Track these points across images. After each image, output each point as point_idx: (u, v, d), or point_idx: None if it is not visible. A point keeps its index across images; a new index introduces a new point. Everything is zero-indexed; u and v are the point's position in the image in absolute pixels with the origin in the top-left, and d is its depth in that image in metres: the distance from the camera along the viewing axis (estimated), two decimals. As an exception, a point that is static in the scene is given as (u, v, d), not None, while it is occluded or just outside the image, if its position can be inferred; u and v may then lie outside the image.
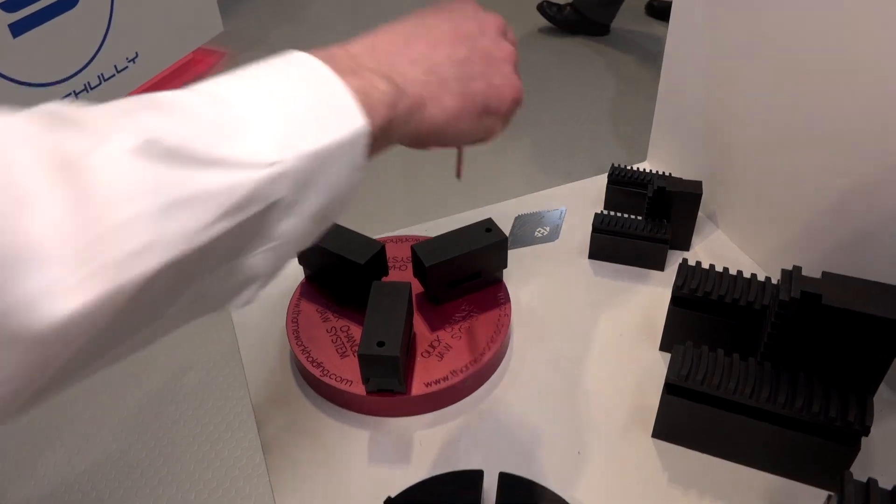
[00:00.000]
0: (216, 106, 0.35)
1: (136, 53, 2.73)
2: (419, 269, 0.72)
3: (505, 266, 0.76)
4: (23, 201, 0.27)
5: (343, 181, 0.37)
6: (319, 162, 0.36)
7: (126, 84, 2.73)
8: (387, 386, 0.64)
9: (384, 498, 0.56)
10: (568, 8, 3.15)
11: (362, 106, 0.38)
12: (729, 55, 0.78)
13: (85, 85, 2.55)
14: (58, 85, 2.44)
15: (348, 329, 0.72)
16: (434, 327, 0.72)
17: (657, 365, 0.71)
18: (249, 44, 3.24)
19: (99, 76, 2.60)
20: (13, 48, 2.23)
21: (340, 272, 0.72)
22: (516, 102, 0.49)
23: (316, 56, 0.40)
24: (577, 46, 3.13)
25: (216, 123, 0.33)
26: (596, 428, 0.66)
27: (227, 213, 0.32)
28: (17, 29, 2.26)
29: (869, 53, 0.61)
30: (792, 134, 0.72)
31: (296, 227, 0.36)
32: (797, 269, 0.58)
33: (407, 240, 0.82)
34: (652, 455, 0.64)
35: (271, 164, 0.33)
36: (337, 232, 0.73)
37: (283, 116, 0.35)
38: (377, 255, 0.72)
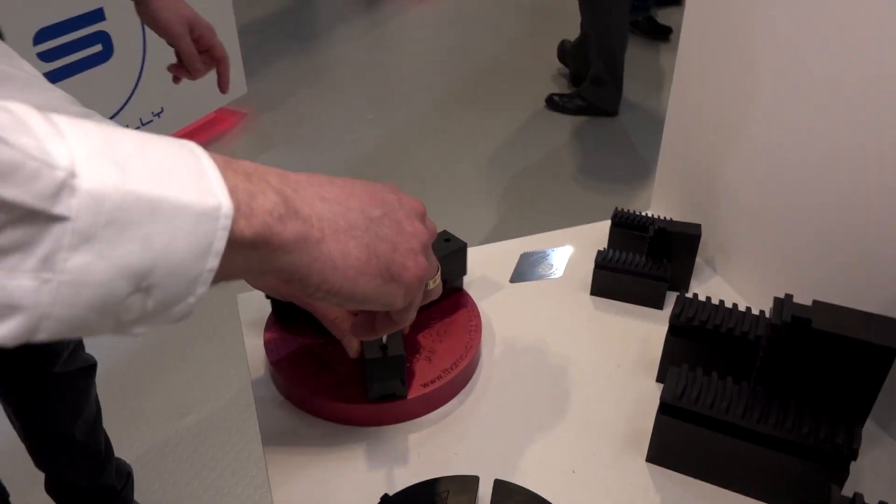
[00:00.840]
0: (47, 118, 0.30)
1: (162, 109, 2.82)
2: None
3: (465, 273, 0.80)
4: None
5: (181, 253, 0.32)
6: (148, 211, 0.31)
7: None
8: (390, 390, 0.66)
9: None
10: (577, 98, 3.27)
11: (240, 203, 0.35)
12: (730, 109, 0.82)
13: (110, 134, 2.63)
14: (84, 132, 2.52)
15: (332, 349, 0.73)
16: (412, 334, 0.74)
17: (653, 394, 0.72)
18: (270, 105, 3.35)
19: (125, 126, 2.69)
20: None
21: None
22: (420, 280, 0.46)
23: (213, 155, 0.36)
24: (584, 124, 3.23)
25: (35, 125, 0.29)
26: (591, 449, 0.67)
27: None
28: (52, 78, 2.36)
29: (864, 105, 0.65)
30: (788, 185, 0.75)
31: (92, 269, 0.30)
32: (789, 296, 0.61)
33: None
34: (645, 478, 0.65)
35: (65, 171, 0.28)
36: None
37: (124, 152, 0.31)
38: None
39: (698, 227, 0.83)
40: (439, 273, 0.55)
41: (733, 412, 0.60)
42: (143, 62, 2.71)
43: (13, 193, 0.27)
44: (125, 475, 1.55)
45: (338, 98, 3.47)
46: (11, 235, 0.28)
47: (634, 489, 0.63)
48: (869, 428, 0.68)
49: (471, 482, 0.59)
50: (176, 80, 1.18)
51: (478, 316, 0.78)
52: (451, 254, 0.77)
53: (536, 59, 3.81)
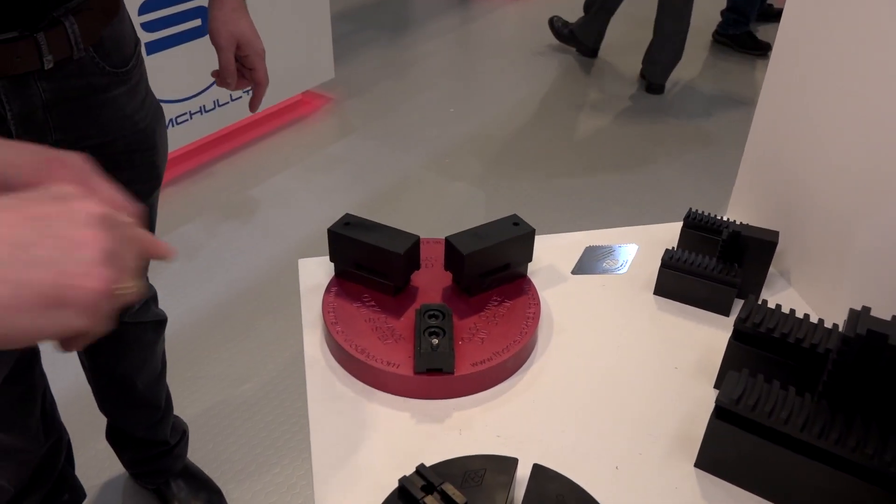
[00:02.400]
0: None
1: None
2: (454, 260, 0.74)
3: (530, 259, 0.79)
4: None
5: None
6: None
7: (235, 113, 2.89)
8: (436, 364, 0.66)
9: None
10: (567, 28, 3.86)
11: None
12: (817, 120, 0.78)
13: (200, 107, 2.72)
14: (177, 103, 2.62)
15: (384, 318, 0.74)
16: (470, 316, 0.73)
17: (709, 400, 0.69)
18: (355, 92, 3.40)
19: (214, 101, 2.77)
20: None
21: (378, 263, 0.75)
22: (99, 294, 0.42)
23: None
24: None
25: None
26: (638, 447, 0.65)
27: None
28: (153, 48, 2.45)
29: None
30: (877, 198, 0.71)
31: None
32: (866, 308, 0.57)
33: (437, 242, 0.84)
34: (692, 483, 0.62)
35: None
36: (373, 227, 0.76)
37: None
38: (413, 247, 0.75)
39: (776, 234, 0.79)
40: (142, 273, 0.49)
41: (792, 424, 0.57)
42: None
43: None
44: (180, 432, 1.60)
45: (422, 91, 3.49)
46: None
47: (679, 493, 0.61)
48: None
49: (509, 463, 0.58)
50: (218, 83, 1.23)
51: (538, 304, 0.76)
52: (517, 238, 0.76)
53: (620, 58, 3.76)
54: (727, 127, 3.19)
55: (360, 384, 0.70)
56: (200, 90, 2.70)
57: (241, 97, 2.88)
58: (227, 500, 1.62)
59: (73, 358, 1.42)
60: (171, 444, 1.58)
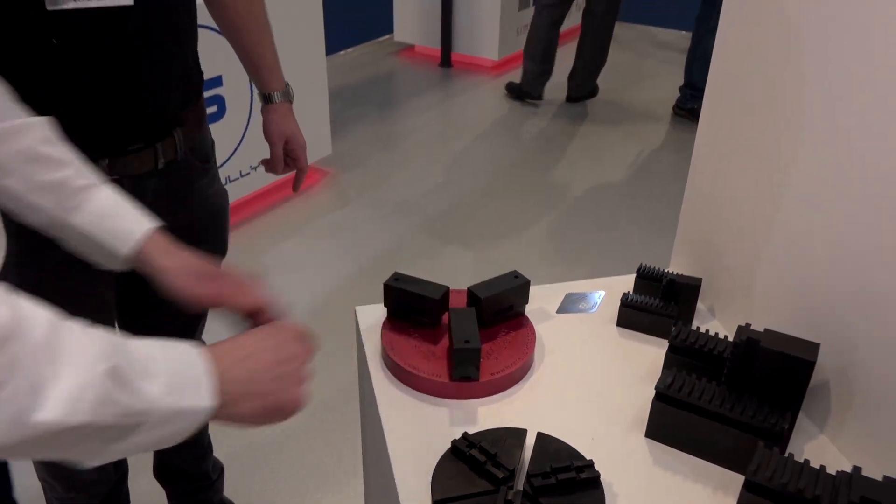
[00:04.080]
0: None
1: (259, 162, 3.23)
2: (474, 303, 1.05)
3: (527, 302, 1.10)
4: None
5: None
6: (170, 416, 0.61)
7: (247, 186, 3.21)
8: (468, 373, 0.96)
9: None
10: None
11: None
12: (723, 192, 1.11)
13: (216, 182, 3.03)
14: (196, 179, 2.92)
15: (427, 345, 1.04)
16: (486, 342, 1.04)
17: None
18: (350, 165, 3.75)
19: (226, 178, 3.09)
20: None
21: (419, 306, 1.06)
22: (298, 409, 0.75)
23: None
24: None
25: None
26: (606, 426, 0.95)
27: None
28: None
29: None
30: (767, 255, 1.04)
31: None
32: (747, 325, 0.89)
33: (459, 291, 1.14)
34: (644, 447, 0.92)
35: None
36: (414, 281, 1.08)
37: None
38: (444, 294, 1.06)
39: (699, 280, 1.11)
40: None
41: (704, 400, 0.88)
42: (247, 125, 3.13)
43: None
44: (219, 469, 1.86)
45: (412, 162, 3.84)
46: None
47: (635, 454, 0.91)
48: (806, 425, 0.95)
49: (521, 432, 0.88)
50: (266, 169, 1.58)
51: (533, 333, 1.07)
52: (518, 287, 1.07)
53: (597, 124, 4.15)
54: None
55: (412, 390, 1.00)
56: (219, 166, 3.02)
57: (249, 174, 3.21)
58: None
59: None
60: (212, 479, 1.83)
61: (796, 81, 0.94)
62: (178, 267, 0.89)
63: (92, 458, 0.59)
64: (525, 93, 4.63)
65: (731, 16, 1.07)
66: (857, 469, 0.75)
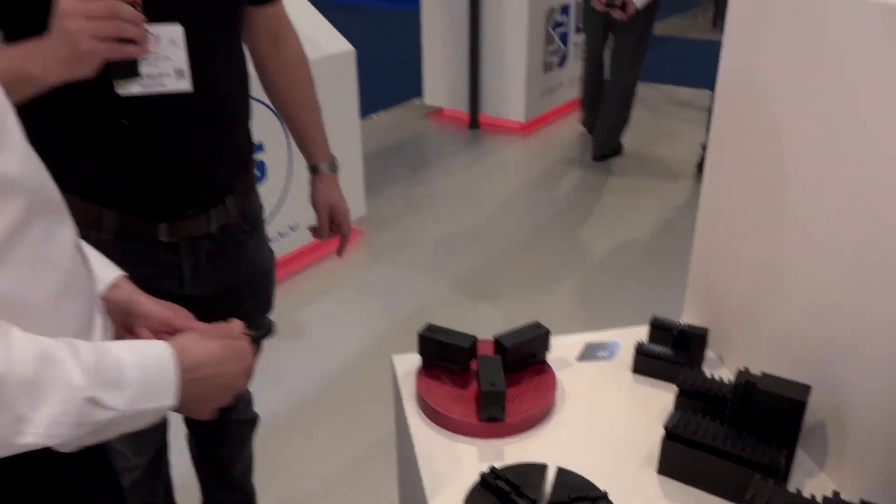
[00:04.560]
0: None
1: (297, 223, 3.39)
2: (500, 351, 1.16)
3: (548, 350, 1.21)
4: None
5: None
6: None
7: (285, 246, 3.37)
8: (494, 414, 1.06)
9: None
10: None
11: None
12: (730, 247, 1.22)
13: (257, 243, 3.19)
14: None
15: (457, 389, 1.15)
16: (511, 386, 1.14)
17: (667, 435, 1.09)
18: (383, 225, 3.90)
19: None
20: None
21: (450, 354, 1.17)
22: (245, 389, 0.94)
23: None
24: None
25: None
26: (622, 462, 1.04)
27: None
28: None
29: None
30: (768, 307, 1.13)
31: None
32: (746, 369, 0.99)
33: (486, 341, 1.25)
34: (655, 482, 1.01)
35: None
36: (446, 331, 1.19)
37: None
38: (473, 343, 1.18)
39: (706, 330, 1.21)
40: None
41: (710, 438, 0.97)
42: (286, 188, 3.30)
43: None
44: (262, 517, 1.96)
45: (442, 221, 3.99)
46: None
47: (647, 487, 1.00)
48: (806, 462, 1.03)
49: (543, 467, 0.98)
50: (313, 235, 1.71)
51: (554, 378, 1.17)
52: (539, 336, 1.19)
53: (613, 192, 4.28)
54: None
55: (445, 430, 1.10)
56: (259, 229, 3.17)
57: (287, 233, 3.37)
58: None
59: (183, 449, 1.80)
60: None
61: (792, 149, 1.05)
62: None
63: (65, 449, 0.72)
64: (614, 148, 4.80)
65: (728, 81, 1.20)
66: (836, 493, 0.84)
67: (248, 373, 0.91)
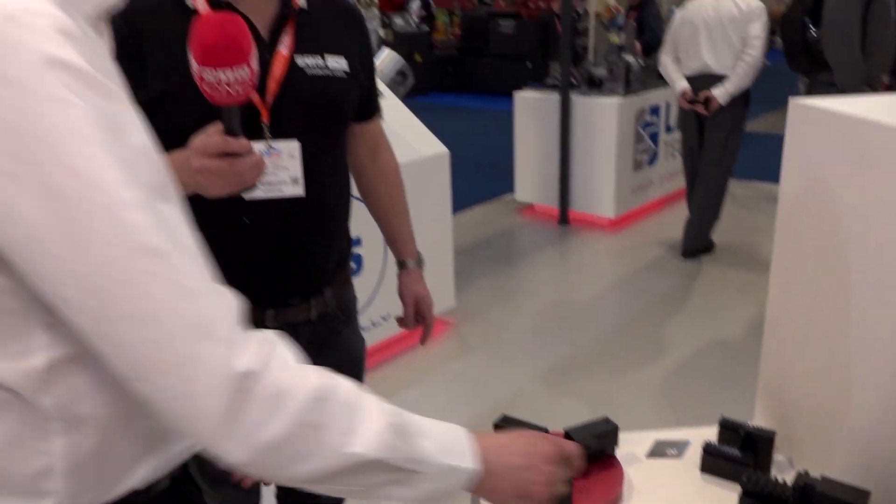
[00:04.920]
0: None
1: (389, 314, 3.56)
2: None
3: (617, 445, 1.26)
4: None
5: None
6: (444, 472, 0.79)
7: (376, 335, 3.53)
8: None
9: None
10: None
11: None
12: (804, 348, 1.26)
13: (351, 331, 3.36)
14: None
15: None
16: (579, 479, 1.20)
17: (731, 535, 1.12)
18: (472, 317, 4.02)
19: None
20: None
21: None
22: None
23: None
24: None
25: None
26: (684, 559, 1.08)
27: None
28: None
29: None
30: (843, 408, 1.17)
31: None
32: (806, 472, 1.03)
33: (557, 433, 1.31)
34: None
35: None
36: (516, 422, 1.26)
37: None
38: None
39: (773, 432, 1.25)
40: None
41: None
42: (380, 281, 3.49)
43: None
44: None
45: (530, 315, 4.07)
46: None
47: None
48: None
49: (605, 557, 1.03)
50: (399, 325, 1.85)
51: (621, 473, 1.23)
52: (608, 431, 1.25)
53: (703, 290, 4.25)
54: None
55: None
56: (353, 318, 3.35)
57: (379, 322, 3.53)
58: None
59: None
60: None
61: (857, 253, 1.11)
62: None
63: (378, 496, 0.76)
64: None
65: (790, 185, 1.27)
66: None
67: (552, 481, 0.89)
